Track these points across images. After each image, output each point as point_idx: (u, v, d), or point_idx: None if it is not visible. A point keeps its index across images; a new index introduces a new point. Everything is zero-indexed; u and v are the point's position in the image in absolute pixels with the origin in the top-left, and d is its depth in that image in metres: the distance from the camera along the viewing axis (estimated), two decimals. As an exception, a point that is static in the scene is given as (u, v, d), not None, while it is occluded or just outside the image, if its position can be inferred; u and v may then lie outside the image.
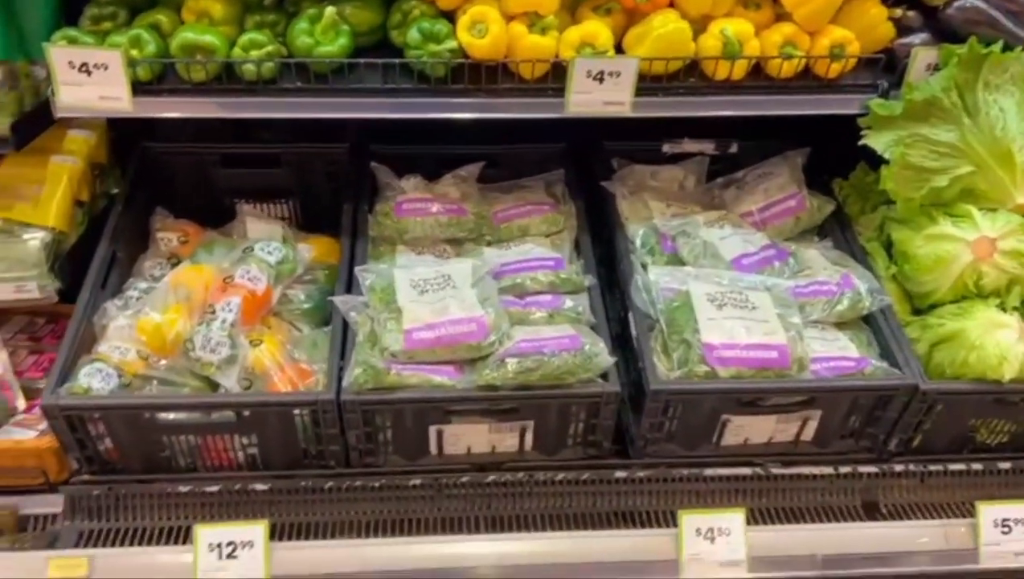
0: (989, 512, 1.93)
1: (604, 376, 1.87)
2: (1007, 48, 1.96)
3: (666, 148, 2.45)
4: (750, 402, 1.90)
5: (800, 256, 2.16)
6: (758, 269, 2.08)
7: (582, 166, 2.47)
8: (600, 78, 1.89)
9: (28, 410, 2.06)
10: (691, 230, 2.16)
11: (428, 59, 1.86)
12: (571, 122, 2.58)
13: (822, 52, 1.93)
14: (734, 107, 1.99)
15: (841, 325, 2.06)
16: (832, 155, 2.37)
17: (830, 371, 1.91)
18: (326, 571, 1.83)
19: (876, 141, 1.98)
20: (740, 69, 1.94)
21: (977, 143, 1.96)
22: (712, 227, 2.18)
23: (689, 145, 2.46)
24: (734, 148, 2.45)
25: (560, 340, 1.86)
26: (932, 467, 2.06)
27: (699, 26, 1.92)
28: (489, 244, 2.23)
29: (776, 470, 2.03)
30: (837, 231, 2.25)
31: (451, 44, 1.85)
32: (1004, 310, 1.96)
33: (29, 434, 1.96)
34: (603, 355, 1.86)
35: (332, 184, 2.40)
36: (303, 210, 2.47)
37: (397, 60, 1.88)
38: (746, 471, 2.02)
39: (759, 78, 1.98)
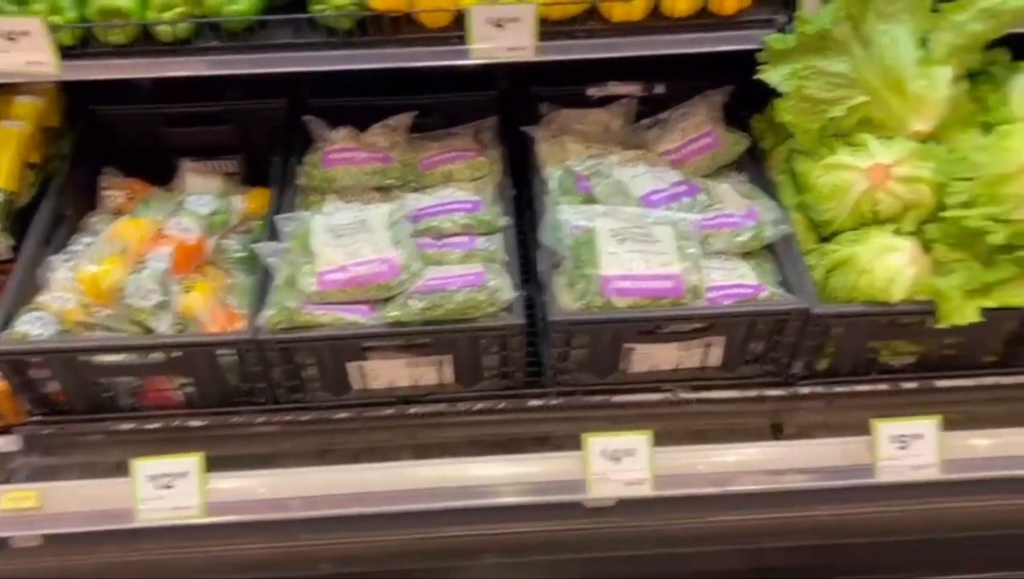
0: (885, 429, 2.00)
1: (512, 311, 1.98)
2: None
3: (591, 92, 2.52)
4: (648, 331, 2.00)
5: (712, 191, 2.22)
6: (666, 205, 2.16)
7: (515, 113, 2.54)
8: (500, 24, 1.96)
9: (-12, 359, 2.22)
10: (605, 170, 2.23)
11: (333, 13, 1.95)
12: (505, 70, 2.65)
13: (716, -11, 1.98)
14: (634, 48, 2.04)
15: (748, 255, 2.13)
16: (758, 93, 2.42)
17: (727, 298, 1.99)
18: (257, 498, 1.98)
19: (772, 75, 2.03)
20: (638, 9, 1.99)
21: (870, 73, 2.00)
22: (625, 166, 2.25)
23: (615, 88, 2.52)
24: (661, 89, 2.52)
25: (465, 277, 1.96)
26: (838, 389, 2.14)
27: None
28: (415, 190, 2.32)
29: (684, 394, 2.12)
30: (752, 165, 2.31)
31: (355, -3, 1.93)
32: (900, 235, 2.02)
33: (-15, 380, 2.12)
34: (506, 290, 1.95)
35: (273, 138, 2.50)
36: (248, 164, 2.58)
37: (305, 15, 1.97)
38: (655, 396, 2.12)
39: (659, 18, 2.04)
